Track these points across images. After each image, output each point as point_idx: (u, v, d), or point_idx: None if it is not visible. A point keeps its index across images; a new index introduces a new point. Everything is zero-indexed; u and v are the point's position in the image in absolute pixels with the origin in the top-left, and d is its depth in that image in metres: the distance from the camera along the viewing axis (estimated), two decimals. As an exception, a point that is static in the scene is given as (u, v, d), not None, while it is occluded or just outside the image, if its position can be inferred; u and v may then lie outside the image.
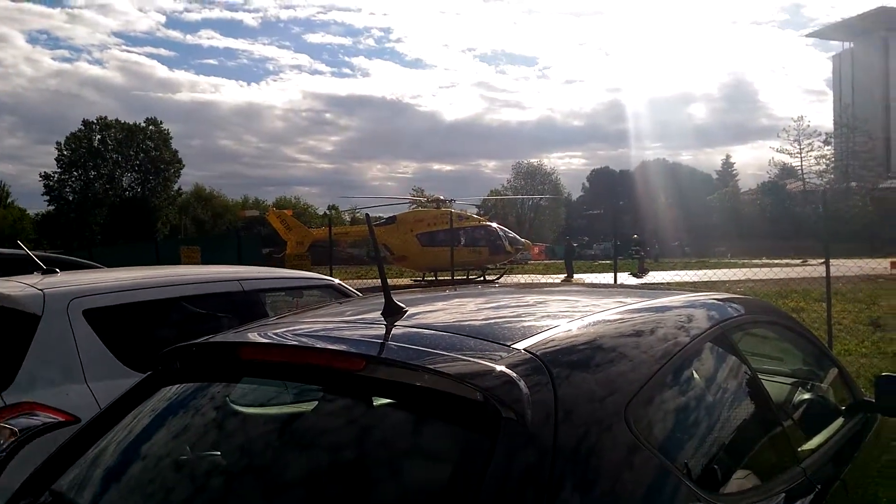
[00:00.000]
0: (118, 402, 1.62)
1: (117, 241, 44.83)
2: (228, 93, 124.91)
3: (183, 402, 1.58)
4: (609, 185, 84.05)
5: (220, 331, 1.90)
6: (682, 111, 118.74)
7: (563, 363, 1.26)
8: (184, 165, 63.73)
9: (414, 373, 1.21)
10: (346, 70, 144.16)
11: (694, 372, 1.55)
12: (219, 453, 1.44)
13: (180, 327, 3.31)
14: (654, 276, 24.19)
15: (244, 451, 1.43)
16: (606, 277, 19.91)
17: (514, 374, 1.17)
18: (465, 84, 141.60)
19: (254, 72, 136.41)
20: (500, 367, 1.19)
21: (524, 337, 1.35)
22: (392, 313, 1.58)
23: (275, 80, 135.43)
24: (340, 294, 3.96)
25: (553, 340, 1.35)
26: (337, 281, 4.24)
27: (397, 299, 1.65)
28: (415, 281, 25.67)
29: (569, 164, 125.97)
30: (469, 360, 1.23)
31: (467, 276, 26.52)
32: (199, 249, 16.75)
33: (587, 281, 21.80)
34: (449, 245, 18.57)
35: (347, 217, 76.37)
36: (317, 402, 1.42)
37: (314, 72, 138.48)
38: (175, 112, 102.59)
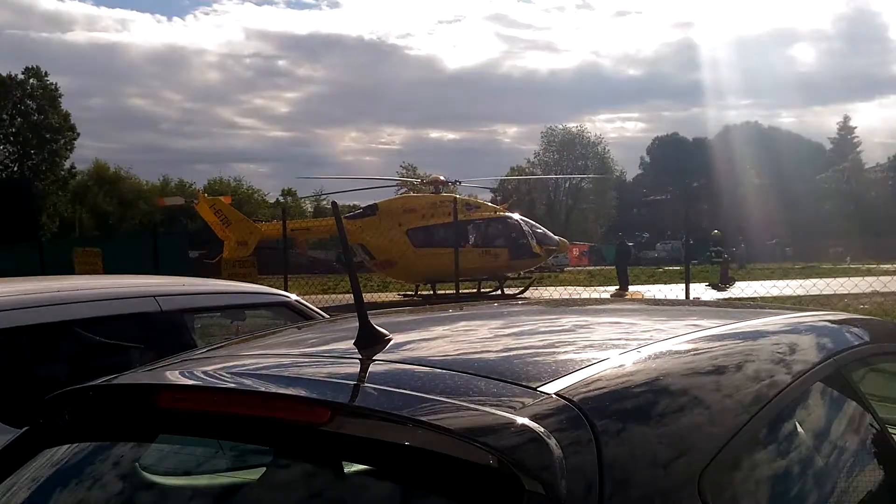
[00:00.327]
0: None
1: (-17, 241, 44.95)
2: (140, 31, 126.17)
3: (73, 471, 1.57)
4: (678, 159, 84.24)
5: (127, 367, 1.91)
6: (782, 55, 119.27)
7: (610, 413, 1.26)
8: (78, 134, 64.25)
9: (399, 427, 1.21)
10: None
11: (797, 424, 1.56)
12: None
13: (71, 363, 3.33)
14: (741, 289, 24.22)
15: None
16: (675, 290, 19.89)
17: (542, 430, 1.16)
18: (474, 17, 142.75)
19: (176, 0, 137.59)
20: (521, 420, 1.19)
21: (556, 376, 1.35)
22: (369, 343, 1.58)
23: (205, 14, 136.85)
24: (298, 316, 3.99)
25: (597, 381, 1.35)
26: (294, 297, 4.27)
27: (377, 323, 1.65)
28: (405, 297, 25.74)
29: (621, 131, 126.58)
30: (477, 410, 1.22)
31: (478, 289, 26.60)
32: (101, 252, 16.83)
33: (647, 296, 21.83)
34: (452, 245, 18.58)
35: (309, 206, 77.01)
36: (264, 470, 1.42)
37: (261, 0, 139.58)
38: (66, 59, 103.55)
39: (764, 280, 23.70)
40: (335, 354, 1.68)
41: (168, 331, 3.45)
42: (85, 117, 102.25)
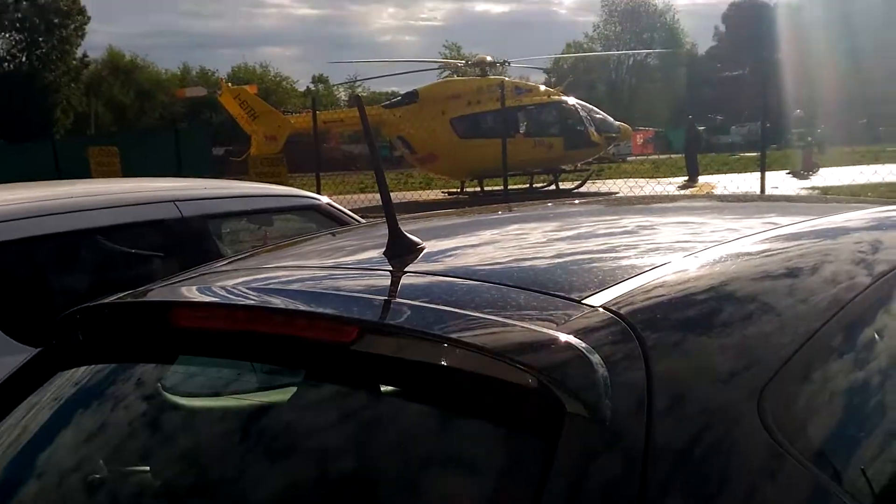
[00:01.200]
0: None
1: (-9, 140, 45.66)
2: None
3: (91, 394, 1.62)
4: (759, 28, 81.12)
5: (148, 279, 1.93)
6: None
7: (661, 325, 1.26)
8: (89, 18, 64.00)
9: (431, 345, 1.22)
10: None
11: (876, 334, 1.53)
12: (148, 469, 1.49)
13: (88, 275, 3.41)
14: (827, 177, 23.74)
15: (187, 464, 1.47)
16: (750, 181, 19.56)
17: (584, 345, 1.17)
18: None
19: None
20: (560, 335, 1.19)
21: (603, 286, 1.35)
22: (400, 252, 1.59)
23: None
24: (329, 220, 4.01)
25: (648, 290, 1.35)
26: (325, 199, 4.29)
27: (411, 229, 1.66)
28: (449, 194, 25.77)
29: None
30: (515, 325, 1.23)
31: (530, 184, 26.48)
32: (118, 151, 17.01)
33: (719, 188, 21.53)
34: (501, 135, 18.40)
35: (343, 94, 76.55)
36: (293, 391, 1.45)
37: None
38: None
39: (855, 164, 23.19)
40: (364, 266, 1.69)
41: (189, 238, 3.51)
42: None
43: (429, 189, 27.52)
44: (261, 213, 4.15)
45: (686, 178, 25.85)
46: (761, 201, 2.85)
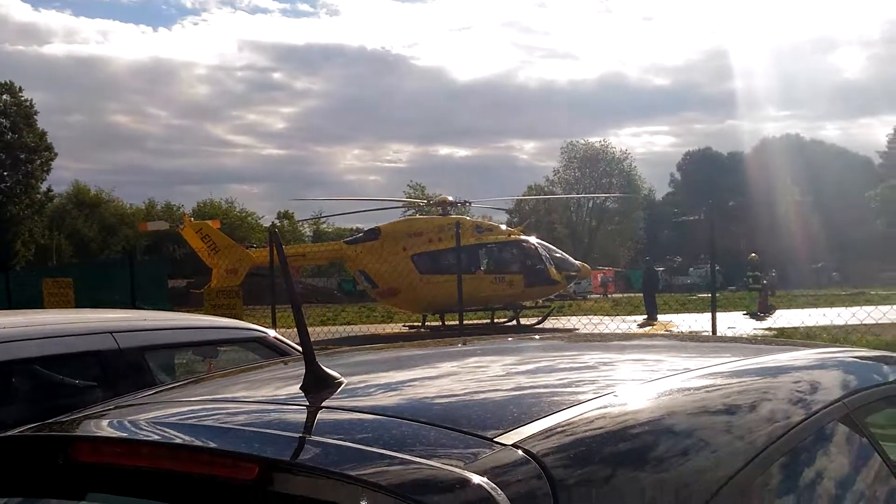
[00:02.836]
0: None
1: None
2: (123, 43, 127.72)
3: None
4: (712, 175, 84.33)
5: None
6: (824, 62, 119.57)
7: (574, 464, 1.25)
8: (56, 154, 64.78)
9: (334, 484, 1.19)
10: (304, 5, 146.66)
11: (794, 477, 1.55)
12: None
13: (19, 407, 3.32)
14: (774, 319, 24.13)
15: None
16: (706, 320, 19.86)
17: (491, 485, 1.15)
18: (486, 24, 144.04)
19: (162, 10, 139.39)
20: (469, 474, 1.17)
21: (517, 423, 1.34)
22: (316, 387, 1.58)
23: (194, 23, 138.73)
24: (273, 352, 3.97)
25: (565, 428, 1.34)
26: (272, 332, 4.25)
27: (335, 363, 1.67)
28: (410, 328, 25.75)
29: (649, 146, 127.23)
30: (422, 464, 1.21)
31: (492, 319, 26.58)
32: (72, 283, 16.90)
33: (676, 328, 21.77)
34: (457, 272, 18.54)
35: (308, 230, 77.30)
36: None
37: (254, 9, 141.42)
38: (43, 74, 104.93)
39: (809, 308, 23.61)
40: (278, 400, 1.68)
41: (126, 370, 3.46)
42: (63, 136, 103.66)
43: (391, 322, 27.49)
44: (203, 345, 4.11)
45: (645, 316, 26.13)
46: (698, 342, 2.88)
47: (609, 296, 47.21)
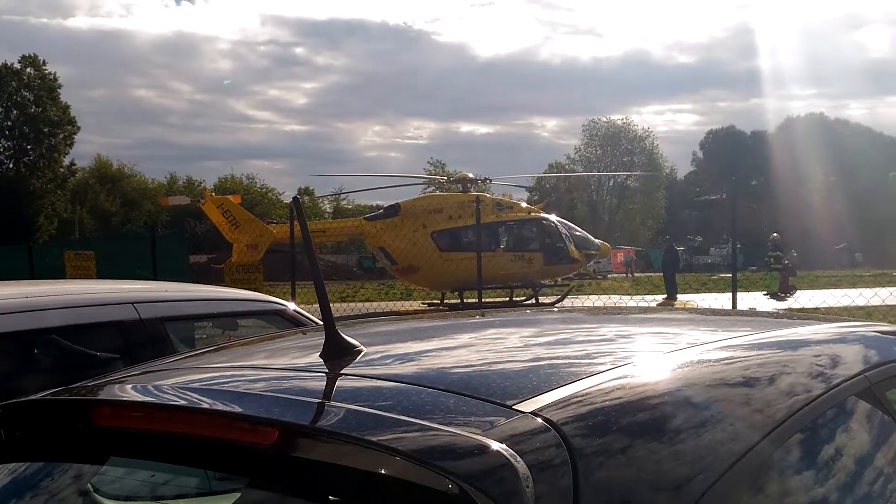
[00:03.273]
0: None
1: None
2: (146, 17, 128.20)
3: (15, 493, 1.58)
4: (735, 154, 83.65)
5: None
6: (850, 39, 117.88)
7: (593, 432, 1.25)
8: (79, 128, 65.23)
9: (352, 449, 1.20)
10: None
11: (812, 449, 1.54)
12: None
13: (42, 374, 3.36)
14: (796, 299, 23.98)
15: None
16: (728, 300, 19.76)
17: (510, 452, 1.14)
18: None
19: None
20: (488, 441, 1.17)
21: (537, 391, 1.34)
22: (336, 355, 1.58)
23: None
24: (292, 325, 3.99)
25: (583, 397, 1.34)
26: (292, 305, 4.28)
27: (355, 333, 1.66)
28: (429, 305, 25.80)
29: (672, 124, 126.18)
30: (438, 430, 1.21)
31: (510, 297, 26.57)
32: (94, 256, 17.04)
33: (692, 305, 21.69)
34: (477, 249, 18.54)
35: (328, 206, 77.52)
36: (225, 495, 1.45)
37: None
38: (66, 47, 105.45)
39: (830, 288, 23.45)
40: (298, 367, 1.69)
41: (147, 340, 3.50)
42: (86, 110, 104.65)
43: (410, 300, 27.53)
44: (223, 316, 4.13)
45: (665, 295, 26.05)
46: (717, 315, 2.87)
47: (632, 275, 47.07)
